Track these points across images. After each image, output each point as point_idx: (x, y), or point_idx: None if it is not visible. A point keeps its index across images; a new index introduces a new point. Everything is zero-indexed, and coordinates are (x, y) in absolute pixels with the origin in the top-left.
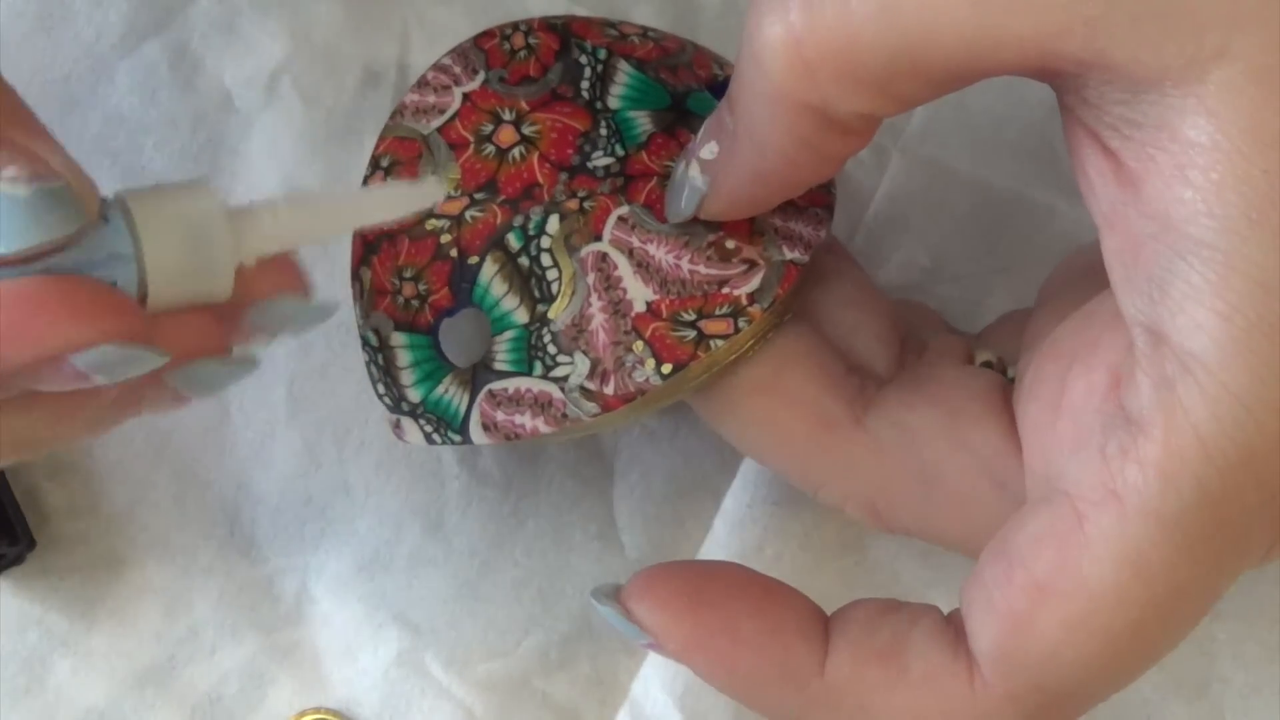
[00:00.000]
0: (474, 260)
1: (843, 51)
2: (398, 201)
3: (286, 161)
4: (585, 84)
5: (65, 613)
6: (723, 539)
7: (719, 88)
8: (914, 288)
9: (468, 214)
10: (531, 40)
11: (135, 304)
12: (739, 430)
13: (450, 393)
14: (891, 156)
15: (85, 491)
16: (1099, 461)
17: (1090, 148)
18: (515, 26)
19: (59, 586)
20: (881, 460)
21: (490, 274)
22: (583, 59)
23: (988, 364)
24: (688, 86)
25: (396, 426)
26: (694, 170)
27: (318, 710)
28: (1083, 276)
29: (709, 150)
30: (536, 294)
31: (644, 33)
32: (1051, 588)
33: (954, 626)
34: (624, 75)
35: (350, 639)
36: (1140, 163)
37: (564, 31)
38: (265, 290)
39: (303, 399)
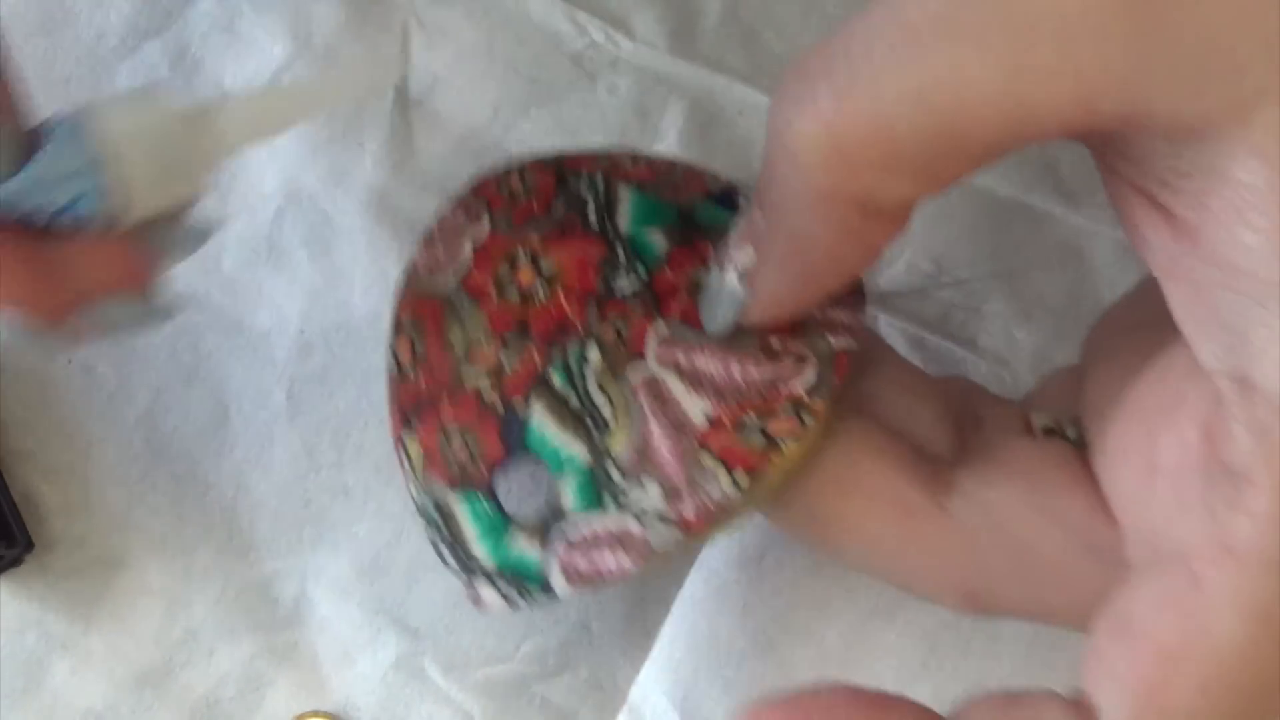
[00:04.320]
0: (521, 408)
1: (880, 140)
2: (349, 84)
3: (287, 161)
4: (591, 212)
5: (63, 615)
6: (722, 545)
7: (720, 197)
8: (915, 292)
9: (505, 360)
10: (527, 179)
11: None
12: (821, 534)
13: (523, 548)
14: None
15: (83, 493)
16: (1206, 519)
17: (1138, 203)
18: (508, 169)
19: (57, 588)
20: (971, 544)
21: (541, 419)
22: (582, 188)
23: (1049, 429)
24: (690, 199)
25: (473, 595)
26: (731, 279)
27: (316, 714)
28: (1133, 330)
29: (745, 257)
30: (593, 430)
31: (634, 157)
32: (1180, 653)
33: (1080, 708)
34: (627, 197)
35: (349, 642)
36: (1194, 211)
37: (558, 167)
38: (102, 281)
39: (302, 401)
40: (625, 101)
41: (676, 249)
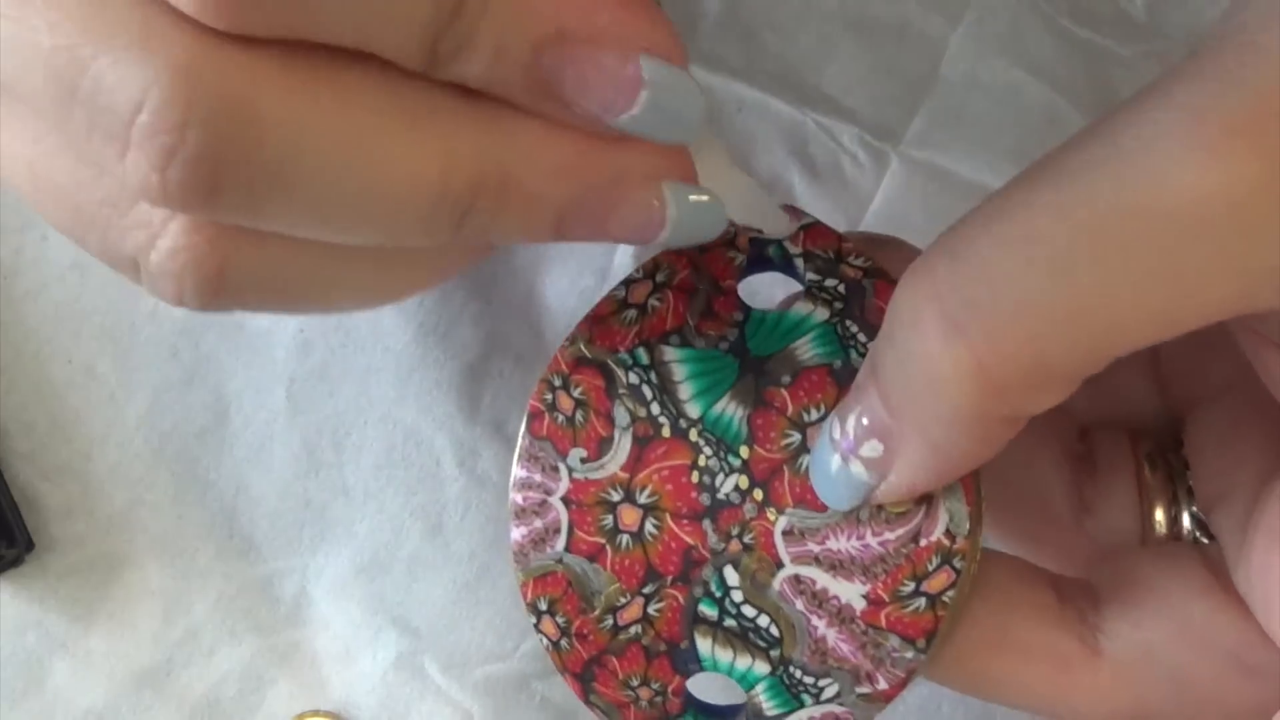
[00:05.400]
0: (684, 645)
1: (1034, 367)
2: (767, 218)
3: None
4: (655, 406)
5: (63, 614)
6: None
7: (756, 264)
8: None
9: (650, 610)
10: (575, 393)
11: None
12: (980, 690)
13: None
14: (891, 160)
15: (83, 493)
16: None
17: (1272, 356)
18: (549, 386)
19: (57, 588)
20: (1128, 683)
21: (708, 649)
22: (632, 377)
23: (1150, 457)
24: (733, 318)
25: None
26: (856, 467)
27: (316, 713)
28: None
29: (871, 449)
30: (762, 643)
31: (653, 283)
32: None
33: None
34: (679, 367)
35: (349, 641)
36: None
37: (591, 352)
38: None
39: (302, 400)
40: None
41: (755, 415)
